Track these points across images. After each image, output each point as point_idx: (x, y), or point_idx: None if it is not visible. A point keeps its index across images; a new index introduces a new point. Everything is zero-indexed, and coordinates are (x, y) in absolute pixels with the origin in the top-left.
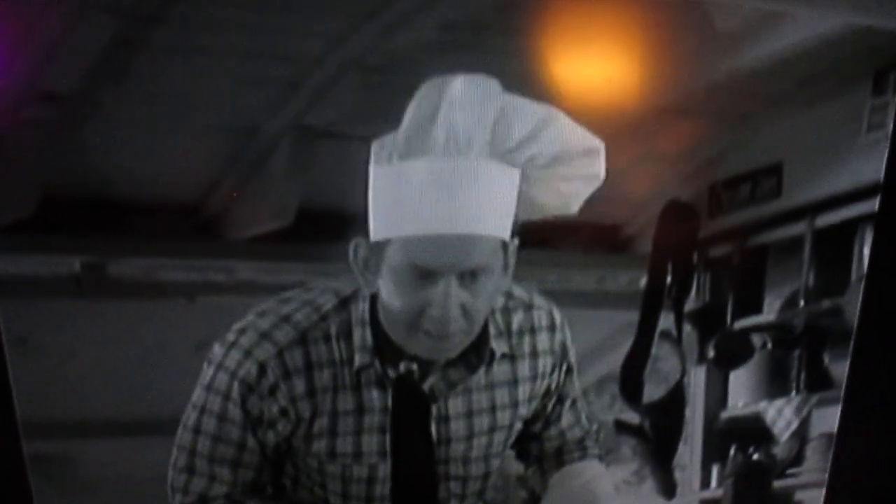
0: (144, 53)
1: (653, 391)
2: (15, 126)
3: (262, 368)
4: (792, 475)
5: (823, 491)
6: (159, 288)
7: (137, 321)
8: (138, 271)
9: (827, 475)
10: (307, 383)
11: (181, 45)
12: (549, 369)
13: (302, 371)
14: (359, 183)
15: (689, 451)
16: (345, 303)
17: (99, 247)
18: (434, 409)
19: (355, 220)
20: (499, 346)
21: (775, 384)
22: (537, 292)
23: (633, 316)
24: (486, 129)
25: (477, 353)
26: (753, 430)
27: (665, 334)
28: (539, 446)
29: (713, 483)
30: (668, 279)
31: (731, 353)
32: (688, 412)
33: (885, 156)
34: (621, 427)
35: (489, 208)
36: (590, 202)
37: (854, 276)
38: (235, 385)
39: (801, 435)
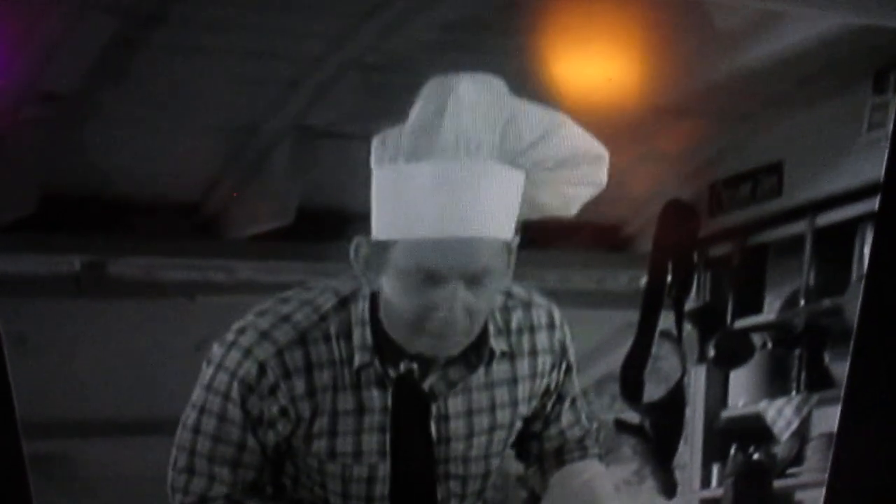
0: (144, 53)
1: (653, 391)
2: (15, 126)
3: (261, 368)
4: (792, 475)
5: (823, 491)
6: (159, 287)
7: (137, 321)
8: (138, 270)
9: (827, 475)
10: (307, 383)
11: (181, 45)
12: (548, 368)
13: (302, 371)
14: (359, 182)
15: (690, 451)
16: (344, 302)
17: (98, 246)
18: (434, 409)
19: (355, 220)
20: (498, 344)
21: (775, 384)
22: (536, 291)
23: (633, 316)
24: (496, 131)
25: (477, 352)
26: (753, 430)
27: (665, 334)
28: (539, 446)
29: (713, 482)
30: (669, 279)
31: (732, 353)
32: (688, 412)
33: (885, 155)
34: (621, 427)
35: (496, 211)
36: (590, 202)
37: (854, 275)
38: (235, 385)
39: (801, 435)
